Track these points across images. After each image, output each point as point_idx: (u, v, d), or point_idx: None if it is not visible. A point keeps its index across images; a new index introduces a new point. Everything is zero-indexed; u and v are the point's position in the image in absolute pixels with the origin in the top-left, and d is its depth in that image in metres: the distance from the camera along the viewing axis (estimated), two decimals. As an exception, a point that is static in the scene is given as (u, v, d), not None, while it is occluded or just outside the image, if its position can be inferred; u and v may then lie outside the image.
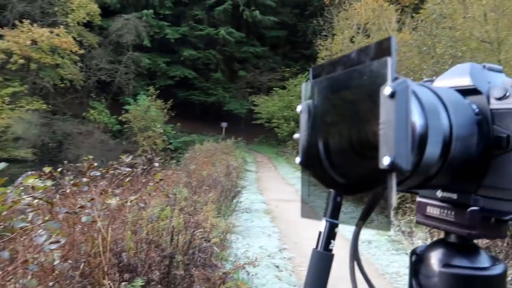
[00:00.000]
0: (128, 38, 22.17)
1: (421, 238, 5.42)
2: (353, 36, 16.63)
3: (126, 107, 20.23)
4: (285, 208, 8.11)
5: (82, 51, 19.89)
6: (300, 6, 28.05)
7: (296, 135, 0.51)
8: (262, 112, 21.70)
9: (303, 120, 0.49)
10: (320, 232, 0.46)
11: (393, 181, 0.37)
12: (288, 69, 25.47)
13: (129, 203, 3.37)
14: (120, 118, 19.78)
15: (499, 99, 0.49)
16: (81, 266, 2.52)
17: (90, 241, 2.89)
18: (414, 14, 14.09)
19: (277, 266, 4.48)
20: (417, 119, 0.42)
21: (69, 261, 2.58)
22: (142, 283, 2.58)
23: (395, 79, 0.39)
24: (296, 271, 4.63)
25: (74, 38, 19.51)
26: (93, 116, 20.40)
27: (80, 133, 19.12)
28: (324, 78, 0.48)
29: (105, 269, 2.66)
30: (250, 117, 23.96)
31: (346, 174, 0.46)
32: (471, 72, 0.52)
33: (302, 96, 0.51)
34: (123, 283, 2.56)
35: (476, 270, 0.50)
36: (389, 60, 0.39)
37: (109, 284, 2.55)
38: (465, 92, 0.52)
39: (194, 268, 2.97)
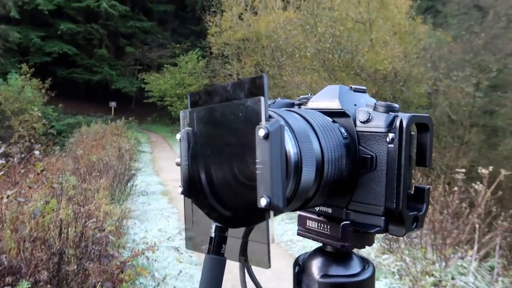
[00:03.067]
0: (-10, 8, 19.29)
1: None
2: (241, 13, 16.73)
3: (-5, 88, 17.77)
4: (182, 188, 8.05)
5: None
6: (187, -21, 27.28)
7: (178, 160, 0.49)
8: (154, 90, 20.88)
9: (183, 148, 0.48)
10: (211, 238, 0.45)
11: (271, 219, 0.39)
12: (178, 45, 24.74)
13: (5, 199, 3.03)
14: (-13, 100, 17.32)
15: (364, 122, 0.54)
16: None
17: (-40, 246, 2.55)
18: (298, -7, 14.66)
19: (177, 249, 4.47)
20: (290, 148, 0.44)
21: None
22: (28, 285, 2.36)
23: (269, 117, 0.39)
24: (197, 250, 4.66)
25: None
26: (-47, 99, 17.52)
27: None
28: (203, 107, 0.47)
29: (-18, 276, 2.38)
30: (141, 95, 22.90)
31: (229, 206, 0.45)
32: (340, 95, 0.56)
33: (181, 124, 0.49)
34: (6, 288, 2.32)
35: (349, 277, 0.55)
36: (262, 99, 0.39)
37: (-13, 291, 2.29)
38: (335, 114, 0.56)
39: (88, 262, 2.81)
